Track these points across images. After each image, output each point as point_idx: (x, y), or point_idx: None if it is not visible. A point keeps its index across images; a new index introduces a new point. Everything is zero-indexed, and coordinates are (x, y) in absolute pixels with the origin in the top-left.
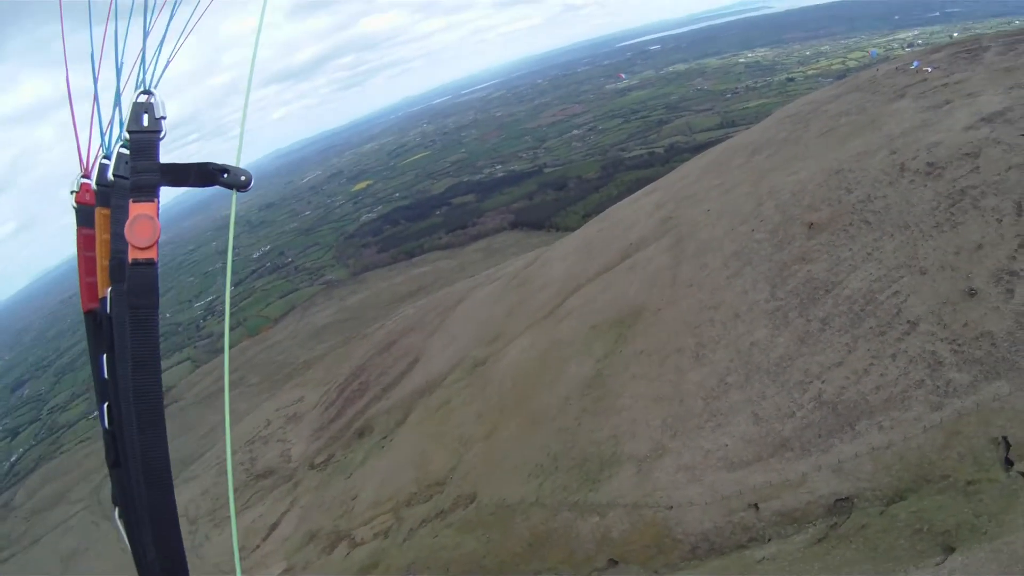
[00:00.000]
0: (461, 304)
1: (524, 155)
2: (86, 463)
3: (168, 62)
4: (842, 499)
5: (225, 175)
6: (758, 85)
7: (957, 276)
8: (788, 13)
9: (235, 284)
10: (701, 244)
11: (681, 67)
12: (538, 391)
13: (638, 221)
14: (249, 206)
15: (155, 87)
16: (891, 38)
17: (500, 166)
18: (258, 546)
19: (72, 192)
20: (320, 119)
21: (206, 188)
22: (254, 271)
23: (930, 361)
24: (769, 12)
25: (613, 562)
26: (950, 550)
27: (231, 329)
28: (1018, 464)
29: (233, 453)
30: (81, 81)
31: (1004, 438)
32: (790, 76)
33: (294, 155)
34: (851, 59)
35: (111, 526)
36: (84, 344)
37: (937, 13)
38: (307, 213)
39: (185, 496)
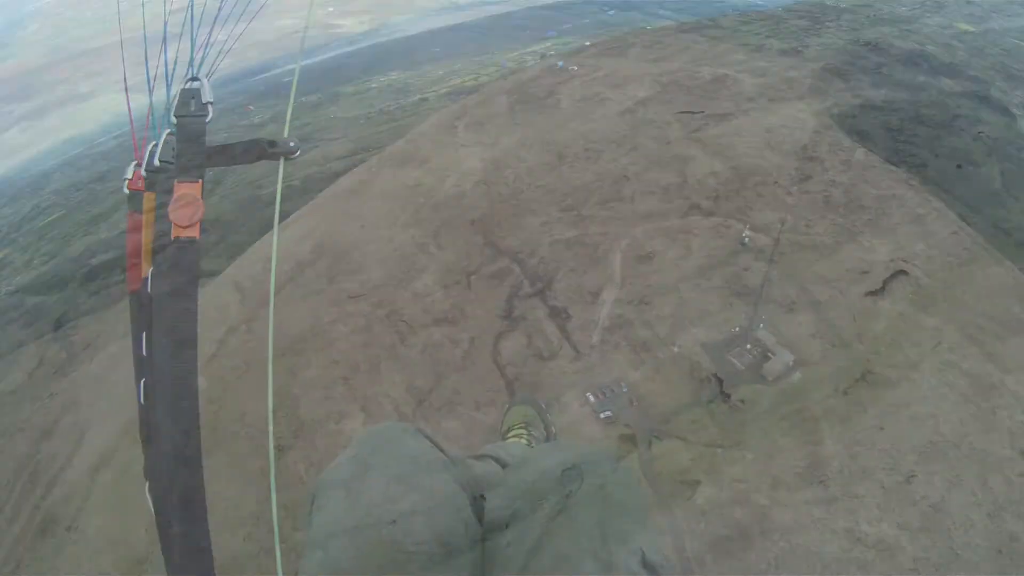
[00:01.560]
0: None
1: None
2: None
3: (220, 49)
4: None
5: (273, 147)
6: (391, 108)
7: (634, 245)
8: (420, 36)
9: None
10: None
11: (314, 97)
12: None
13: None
14: None
15: (204, 74)
16: (524, 51)
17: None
18: None
19: (125, 179)
20: None
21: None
22: None
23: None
24: (400, 36)
25: None
26: (696, 483)
27: None
28: (735, 393)
29: None
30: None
31: (715, 375)
32: (424, 96)
33: None
34: (484, 75)
35: None
36: None
37: (569, 25)
38: None
39: None
